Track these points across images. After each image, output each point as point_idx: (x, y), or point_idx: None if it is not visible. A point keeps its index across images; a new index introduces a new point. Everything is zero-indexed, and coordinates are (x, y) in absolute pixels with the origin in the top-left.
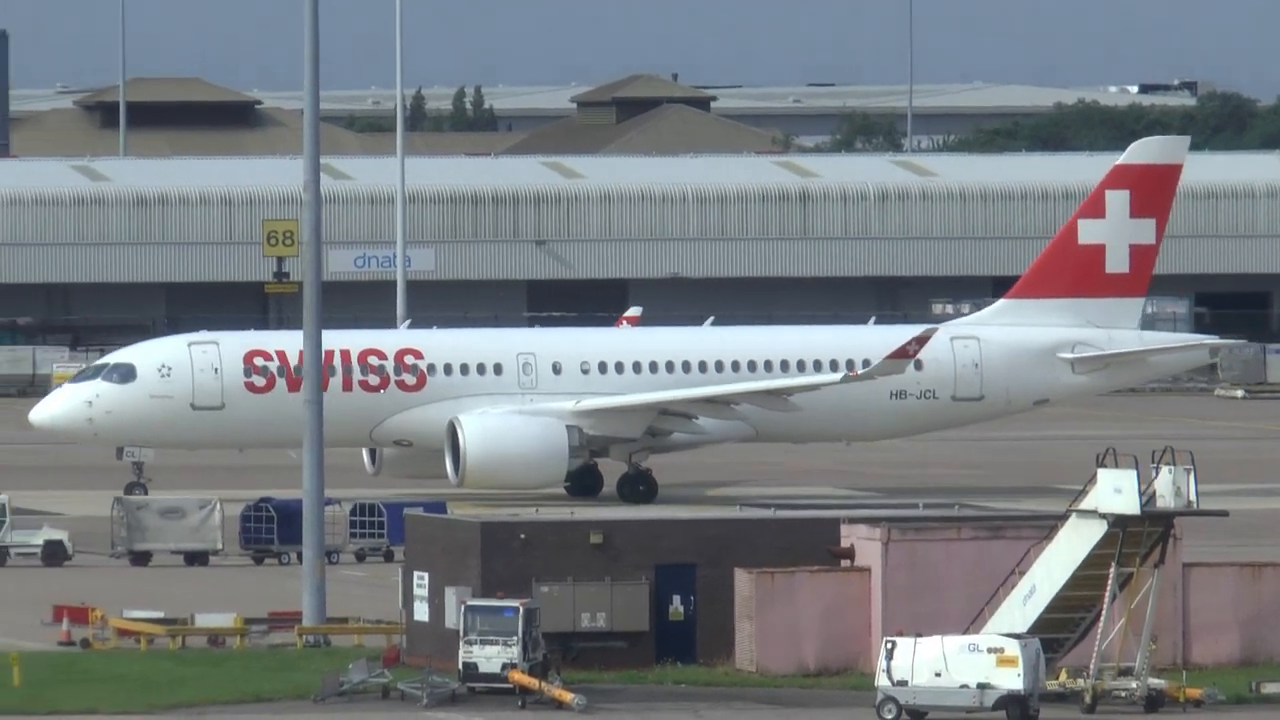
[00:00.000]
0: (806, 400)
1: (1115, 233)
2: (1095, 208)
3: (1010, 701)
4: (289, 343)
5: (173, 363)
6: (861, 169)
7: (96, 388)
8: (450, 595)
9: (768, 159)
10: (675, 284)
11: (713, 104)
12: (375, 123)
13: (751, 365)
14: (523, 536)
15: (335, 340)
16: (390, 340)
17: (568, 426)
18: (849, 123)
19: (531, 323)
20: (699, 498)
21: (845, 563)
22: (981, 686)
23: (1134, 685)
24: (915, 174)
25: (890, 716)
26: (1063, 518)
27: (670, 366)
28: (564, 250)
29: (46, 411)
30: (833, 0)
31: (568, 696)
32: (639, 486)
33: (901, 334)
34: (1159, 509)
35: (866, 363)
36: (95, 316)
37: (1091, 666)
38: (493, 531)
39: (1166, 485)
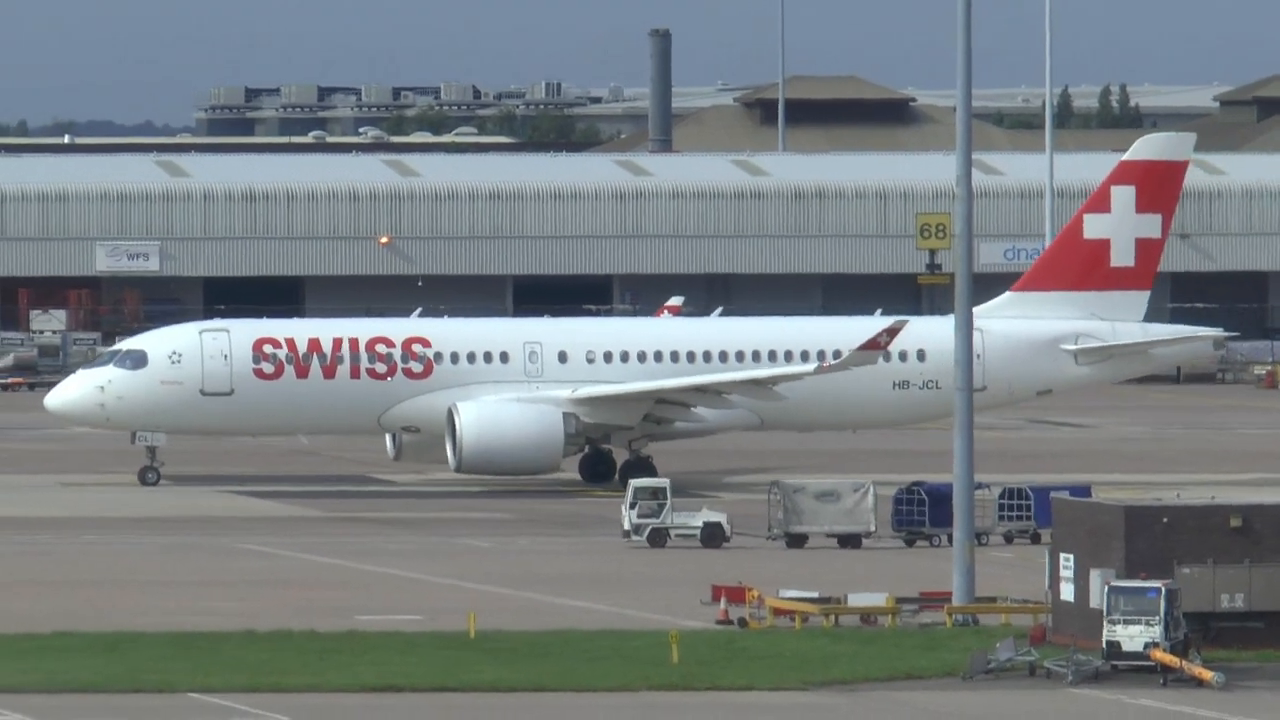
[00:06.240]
0: (811, 390)
1: (1120, 227)
2: (1101, 203)
3: None
4: (298, 331)
5: (183, 349)
6: None
7: (109, 374)
8: (1095, 576)
9: None
10: None
11: None
12: (1024, 119)
13: (756, 355)
14: (1165, 520)
15: (344, 329)
16: (398, 329)
17: (564, 414)
18: None
19: (1174, 314)
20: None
21: None
22: None
23: None
24: None
25: None
26: None
27: (675, 356)
28: (1206, 244)
29: (60, 397)
30: None
31: (1207, 675)
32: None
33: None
34: None
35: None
36: (752, 305)
37: None
38: (1136, 515)
39: None
